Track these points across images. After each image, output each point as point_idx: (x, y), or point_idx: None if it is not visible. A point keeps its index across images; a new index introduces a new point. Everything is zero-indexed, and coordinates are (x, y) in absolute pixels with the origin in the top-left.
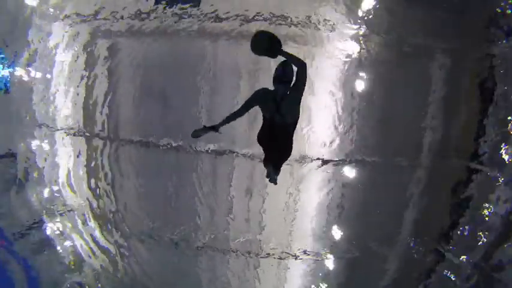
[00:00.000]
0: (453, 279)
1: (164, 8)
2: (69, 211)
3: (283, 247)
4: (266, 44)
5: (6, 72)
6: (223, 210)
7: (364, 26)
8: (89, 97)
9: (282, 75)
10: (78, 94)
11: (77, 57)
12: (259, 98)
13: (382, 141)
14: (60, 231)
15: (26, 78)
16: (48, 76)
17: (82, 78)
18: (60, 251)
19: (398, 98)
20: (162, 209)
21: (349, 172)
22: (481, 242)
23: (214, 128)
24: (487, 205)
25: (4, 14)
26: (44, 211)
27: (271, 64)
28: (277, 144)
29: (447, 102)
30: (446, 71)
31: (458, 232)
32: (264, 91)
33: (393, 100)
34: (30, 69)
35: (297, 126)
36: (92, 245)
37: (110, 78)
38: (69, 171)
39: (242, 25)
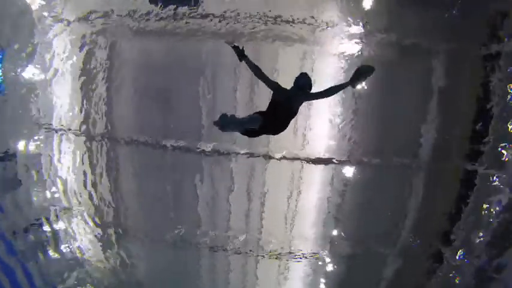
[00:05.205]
0: (453, 279)
1: (161, 7)
2: (68, 211)
3: (283, 247)
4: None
5: None
6: (223, 210)
7: (364, 25)
8: (88, 97)
9: (304, 84)
10: (77, 94)
11: (77, 57)
12: (277, 87)
13: (382, 141)
14: (59, 231)
15: (25, 78)
16: (48, 76)
17: (81, 78)
18: (59, 250)
19: (398, 97)
20: (161, 208)
21: (349, 172)
22: (480, 242)
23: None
24: (487, 205)
25: (5, 14)
26: (43, 211)
27: (272, 65)
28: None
29: (447, 102)
30: (446, 71)
31: (458, 232)
32: (281, 88)
33: (393, 100)
34: (30, 69)
35: (296, 126)
36: (92, 244)
37: (109, 78)
38: (68, 171)
39: (244, 26)
